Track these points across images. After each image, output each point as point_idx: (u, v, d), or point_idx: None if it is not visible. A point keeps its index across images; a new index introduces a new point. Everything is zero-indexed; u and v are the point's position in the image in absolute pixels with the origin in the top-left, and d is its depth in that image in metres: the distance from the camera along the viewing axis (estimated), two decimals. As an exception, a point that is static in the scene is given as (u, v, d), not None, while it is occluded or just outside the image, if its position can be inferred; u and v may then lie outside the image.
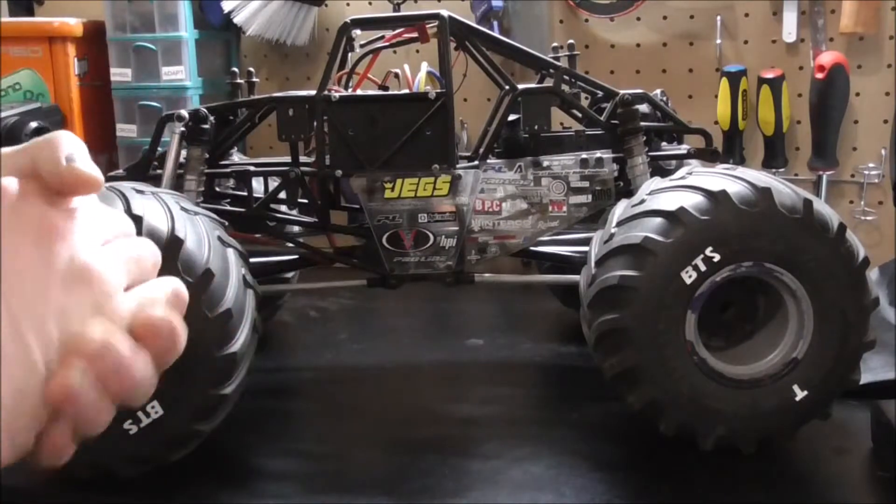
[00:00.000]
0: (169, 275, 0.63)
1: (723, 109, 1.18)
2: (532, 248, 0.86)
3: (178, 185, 0.82)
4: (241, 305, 0.68)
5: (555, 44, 1.00)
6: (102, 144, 1.34)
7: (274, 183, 0.88)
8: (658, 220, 0.67)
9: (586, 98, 0.95)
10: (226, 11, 1.28)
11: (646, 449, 0.73)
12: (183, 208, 0.69)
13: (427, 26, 0.84)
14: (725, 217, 0.66)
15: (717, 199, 0.66)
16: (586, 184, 0.84)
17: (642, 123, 0.84)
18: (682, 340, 0.67)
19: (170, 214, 0.66)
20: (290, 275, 1.03)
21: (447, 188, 0.81)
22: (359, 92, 0.86)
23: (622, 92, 0.84)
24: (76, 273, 0.34)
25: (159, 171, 0.84)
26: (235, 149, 0.95)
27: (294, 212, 0.91)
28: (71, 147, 0.35)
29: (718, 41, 1.20)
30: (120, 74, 1.30)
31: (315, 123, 0.82)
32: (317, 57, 1.35)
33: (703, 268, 0.66)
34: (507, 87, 0.84)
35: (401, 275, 0.84)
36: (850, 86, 1.14)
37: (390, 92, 0.88)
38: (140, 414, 0.66)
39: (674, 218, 0.66)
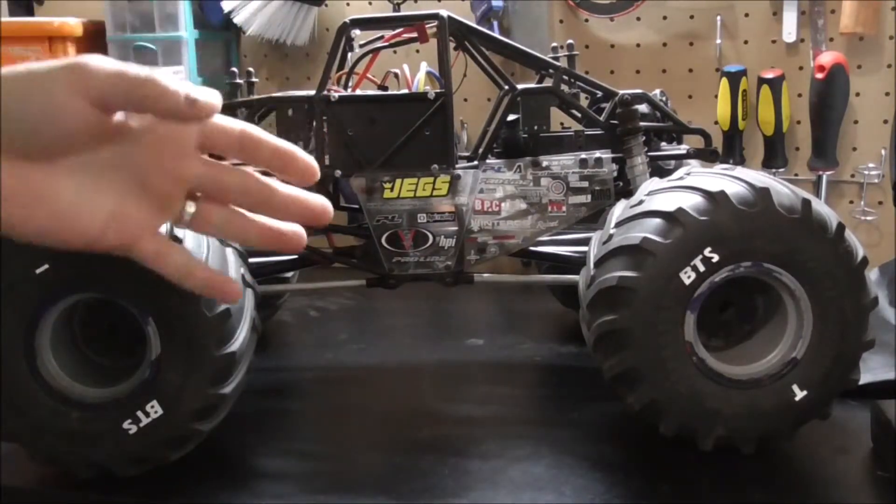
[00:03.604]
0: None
1: (723, 109, 1.18)
2: (531, 248, 0.86)
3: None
4: (240, 305, 0.68)
5: (554, 44, 1.00)
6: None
7: (273, 183, 0.88)
8: (657, 221, 0.67)
9: (586, 98, 0.95)
10: (226, 11, 1.28)
11: (646, 449, 0.73)
12: (182, 208, 0.69)
13: (426, 26, 0.84)
14: (724, 217, 0.66)
15: (715, 199, 0.66)
16: (585, 184, 0.84)
17: (642, 123, 0.84)
18: (682, 341, 0.67)
19: (169, 214, 0.66)
20: (289, 275, 1.03)
21: (446, 188, 0.81)
22: (358, 92, 0.87)
23: (621, 92, 0.84)
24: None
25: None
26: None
27: (294, 212, 0.91)
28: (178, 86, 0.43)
29: (718, 41, 1.20)
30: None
31: (314, 123, 0.82)
32: (317, 57, 1.35)
33: (701, 268, 0.66)
34: (506, 87, 0.84)
35: (400, 275, 0.84)
36: (850, 86, 1.14)
37: (389, 92, 0.88)
38: (140, 414, 0.66)
39: (672, 218, 0.66)
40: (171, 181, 0.44)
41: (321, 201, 0.46)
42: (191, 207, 0.45)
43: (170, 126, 0.42)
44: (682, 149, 0.88)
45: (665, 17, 1.22)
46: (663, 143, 0.90)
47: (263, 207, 0.46)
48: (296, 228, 0.47)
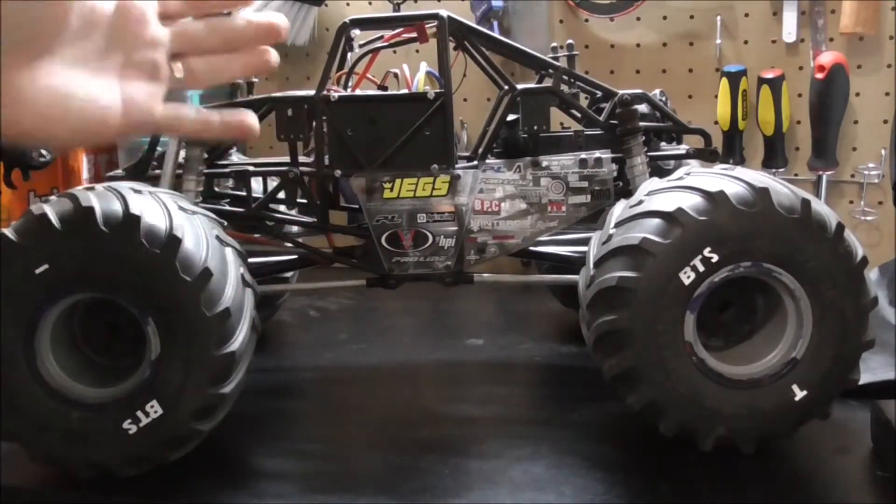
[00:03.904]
0: (167, 274, 0.67)
1: (723, 109, 1.18)
2: (531, 248, 0.86)
3: (177, 185, 0.82)
4: (239, 304, 0.68)
5: (554, 44, 1.00)
6: (102, 144, 1.34)
7: (273, 183, 0.88)
8: (656, 221, 0.67)
9: (586, 98, 0.95)
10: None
11: (646, 449, 0.73)
12: (181, 208, 0.69)
13: (426, 26, 0.84)
14: (723, 217, 0.66)
15: (715, 199, 0.66)
16: (585, 184, 0.84)
17: (641, 123, 0.83)
18: (681, 341, 0.67)
19: (168, 214, 0.66)
20: (289, 275, 1.03)
21: (446, 188, 0.81)
22: (358, 92, 0.86)
23: (621, 92, 0.84)
24: None
25: (158, 172, 0.84)
26: (234, 149, 0.95)
27: (293, 212, 0.91)
28: None
29: (718, 41, 1.20)
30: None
31: (314, 123, 0.82)
32: (317, 57, 1.35)
33: (701, 268, 0.66)
34: (506, 87, 0.84)
35: (400, 275, 0.84)
36: (850, 86, 1.14)
37: (389, 92, 0.88)
38: (140, 414, 0.66)
39: (672, 219, 0.66)
40: (151, 49, 0.48)
41: (275, 18, 0.52)
42: (177, 65, 0.51)
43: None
44: (682, 149, 0.88)
45: (665, 17, 1.22)
46: (663, 143, 0.90)
47: (232, 41, 0.52)
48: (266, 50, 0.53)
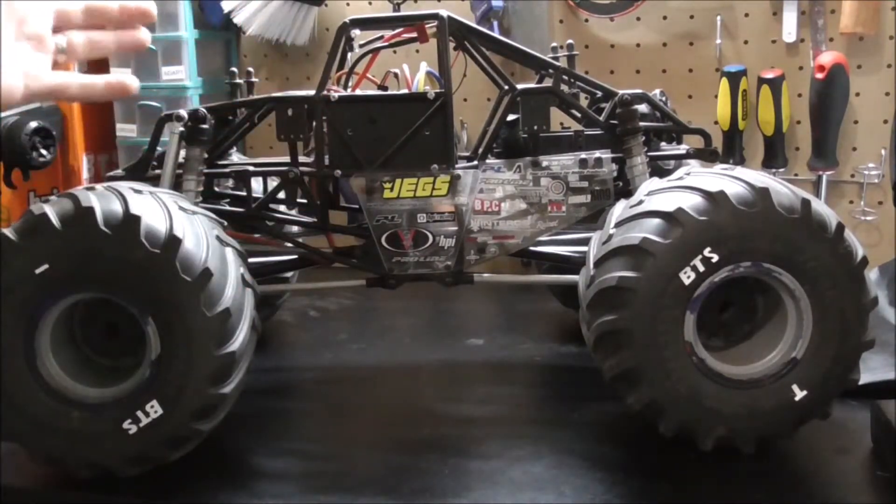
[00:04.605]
0: (167, 274, 0.68)
1: (723, 109, 1.18)
2: (531, 248, 0.86)
3: (177, 185, 0.83)
4: (239, 304, 0.68)
5: (554, 44, 1.00)
6: (102, 144, 1.34)
7: (273, 183, 0.89)
8: (656, 221, 0.67)
9: (586, 98, 0.95)
10: (226, 11, 1.28)
11: (646, 449, 0.73)
12: (181, 208, 0.69)
13: (426, 26, 0.84)
14: (724, 217, 0.66)
15: (715, 199, 0.66)
16: (585, 184, 0.84)
17: (641, 123, 0.83)
18: (681, 341, 0.67)
19: (168, 214, 0.66)
20: (289, 275, 1.03)
21: (446, 188, 0.81)
22: (358, 92, 0.86)
23: (621, 92, 0.83)
24: None
25: (158, 172, 0.84)
26: (234, 149, 0.95)
27: (293, 212, 0.91)
28: None
29: (718, 41, 1.20)
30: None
31: (314, 123, 0.82)
32: (317, 57, 1.35)
33: (701, 268, 0.66)
34: (506, 87, 0.84)
35: (400, 275, 0.84)
36: (850, 86, 1.14)
37: (389, 92, 0.88)
38: (140, 414, 0.66)
39: (672, 219, 0.66)
40: (37, 22, 0.57)
41: (145, 4, 0.62)
42: (62, 41, 0.60)
43: None
44: (682, 149, 0.88)
45: (665, 17, 1.22)
46: (663, 143, 0.90)
47: (106, 21, 0.61)
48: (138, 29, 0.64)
